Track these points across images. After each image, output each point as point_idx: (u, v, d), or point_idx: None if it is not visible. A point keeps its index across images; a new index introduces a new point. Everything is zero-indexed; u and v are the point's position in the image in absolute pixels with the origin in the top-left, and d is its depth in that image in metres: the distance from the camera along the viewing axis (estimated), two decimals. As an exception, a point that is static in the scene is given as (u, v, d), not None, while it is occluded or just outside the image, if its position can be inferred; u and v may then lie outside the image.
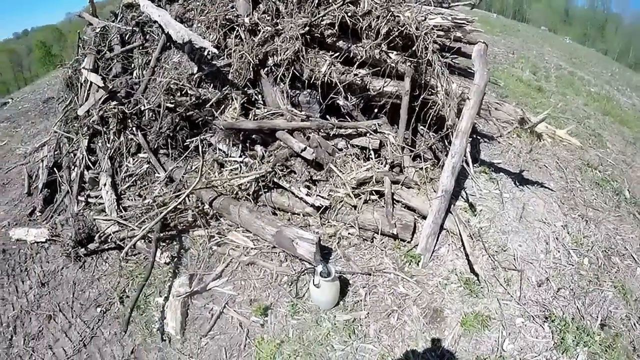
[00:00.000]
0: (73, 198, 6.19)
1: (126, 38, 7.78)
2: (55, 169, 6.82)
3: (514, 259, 5.24)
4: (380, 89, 6.29)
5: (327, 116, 6.57)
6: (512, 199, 6.22)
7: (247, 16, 6.49)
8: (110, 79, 6.94)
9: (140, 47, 7.38)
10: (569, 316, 4.56)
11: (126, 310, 4.69)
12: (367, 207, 5.59)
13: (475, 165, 6.37)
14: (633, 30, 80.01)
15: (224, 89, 6.41)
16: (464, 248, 5.24)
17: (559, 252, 5.41)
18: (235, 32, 6.50)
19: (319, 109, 6.41)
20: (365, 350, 4.30)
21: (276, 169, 5.92)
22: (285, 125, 6.07)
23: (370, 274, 5.06)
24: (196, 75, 6.46)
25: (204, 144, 6.44)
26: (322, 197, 5.67)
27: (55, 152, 7.12)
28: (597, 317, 4.62)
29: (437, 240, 5.42)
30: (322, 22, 6.11)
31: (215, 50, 5.88)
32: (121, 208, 6.01)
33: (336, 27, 6.11)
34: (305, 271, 5.03)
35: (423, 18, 5.98)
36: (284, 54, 6.15)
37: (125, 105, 6.49)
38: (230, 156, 6.29)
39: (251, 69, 6.32)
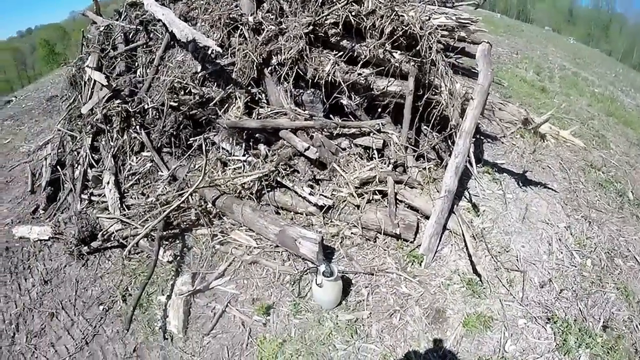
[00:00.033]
0: (76, 196, 6.20)
1: (130, 37, 7.79)
2: (58, 167, 6.84)
3: (517, 259, 5.23)
4: (384, 88, 6.29)
5: (331, 115, 6.58)
6: (515, 199, 6.21)
7: (251, 15, 6.51)
8: (114, 77, 6.95)
9: (144, 46, 7.39)
10: (571, 318, 4.55)
11: (129, 308, 4.70)
12: (370, 207, 5.58)
13: (478, 165, 6.37)
14: (637, 30, 79.63)
15: (227, 87, 6.42)
16: (467, 248, 5.23)
17: (561, 253, 5.40)
18: (239, 31, 6.51)
19: (323, 108, 6.42)
20: (367, 350, 4.30)
21: (279, 168, 5.92)
22: (288, 125, 6.07)
23: (372, 274, 5.06)
24: (200, 74, 6.47)
25: (208, 143, 6.45)
26: (325, 196, 5.67)
27: (59, 150, 7.14)
28: (600, 318, 4.61)
29: (439, 240, 5.41)
30: (326, 22, 6.12)
31: (219, 49, 5.89)
32: (124, 206, 6.02)
33: (340, 27, 6.11)
34: (308, 270, 5.03)
35: (427, 18, 5.98)
36: (287, 53, 6.16)
37: (129, 104, 6.50)
38: (233, 155, 6.30)
39: (255, 68, 6.33)
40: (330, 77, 6.17)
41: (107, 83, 6.30)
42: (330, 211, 5.68)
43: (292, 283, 4.99)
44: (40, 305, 5.04)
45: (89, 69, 6.75)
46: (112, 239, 5.63)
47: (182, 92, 6.39)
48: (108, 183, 6.14)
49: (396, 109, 6.44)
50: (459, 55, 7.29)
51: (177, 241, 5.67)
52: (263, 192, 5.94)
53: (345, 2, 5.90)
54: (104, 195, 6.13)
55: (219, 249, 5.51)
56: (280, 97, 6.41)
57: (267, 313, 4.67)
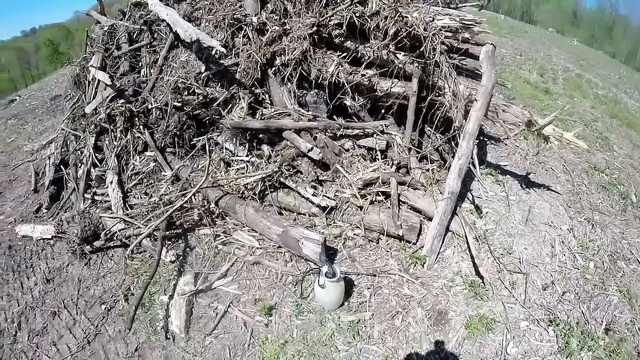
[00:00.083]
0: (79, 195, 6.21)
1: (134, 36, 7.82)
2: (62, 166, 6.85)
3: (520, 262, 5.22)
4: (387, 89, 6.29)
5: (334, 116, 6.57)
6: (518, 201, 6.20)
7: (255, 16, 6.51)
8: (118, 77, 6.97)
9: (148, 46, 7.41)
10: (573, 320, 4.54)
11: (131, 307, 4.71)
12: (373, 208, 5.58)
13: (481, 167, 6.35)
14: (641, 32, 79.68)
15: (231, 88, 6.43)
16: (470, 250, 5.23)
17: (564, 255, 5.39)
18: (243, 31, 6.52)
19: (326, 109, 6.41)
20: (369, 352, 4.30)
21: (283, 169, 5.92)
22: (292, 125, 6.08)
23: (375, 275, 5.06)
24: (204, 74, 6.47)
25: (211, 143, 6.45)
26: (328, 197, 5.67)
27: (62, 150, 7.14)
28: (602, 321, 4.59)
29: (442, 242, 5.40)
30: (330, 22, 6.12)
31: (223, 50, 5.89)
32: (127, 206, 6.04)
33: (344, 27, 6.11)
34: (311, 271, 5.03)
35: (431, 19, 5.97)
36: (291, 53, 6.16)
37: (133, 104, 6.52)
38: (236, 155, 6.30)
39: (259, 68, 6.34)
40: (334, 78, 6.17)
41: (111, 83, 6.31)
42: (333, 212, 5.68)
43: (295, 284, 4.99)
44: (42, 303, 5.05)
45: (93, 69, 6.77)
46: (114, 238, 5.64)
47: (186, 92, 6.40)
48: (111, 182, 6.15)
49: (400, 110, 6.43)
50: (463, 57, 7.29)
51: (180, 241, 5.68)
52: (266, 192, 5.94)
53: (349, 3, 5.90)
54: (107, 194, 6.14)
55: (221, 249, 5.51)
56: (284, 98, 6.41)
57: (269, 314, 4.67)
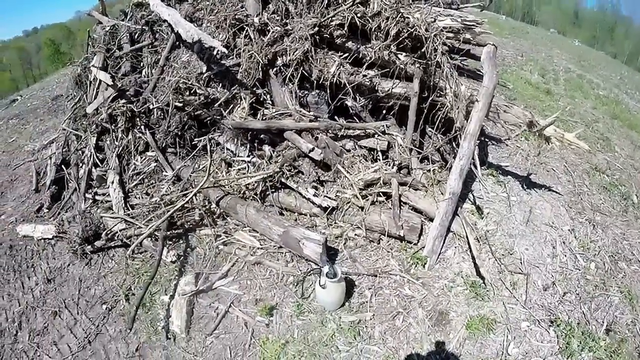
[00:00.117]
0: (80, 195, 6.22)
1: (135, 37, 7.82)
2: (63, 166, 6.86)
3: (521, 262, 5.22)
4: (388, 90, 6.29)
5: (336, 117, 6.57)
6: (520, 202, 6.20)
7: (256, 16, 6.52)
8: (120, 77, 6.97)
9: (150, 46, 7.41)
10: (574, 321, 4.54)
11: (131, 307, 4.71)
12: (374, 209, 5.58)
13: (482, 167, 6.35)
14: (643, 33, 79.62)
15: (232, 88, 6.42)
16: (471, 251, 5.23)
17: (565, 256, 5.39)
18: (244, 32, 6.52)
19: (328, 109, 6.41)
20: (370, 352, 4.29)
21: (284, 169, 5.92)
22: (293, 126, 6.08)
23: (376, 276, 5.06)
24: (205, 75, 6.47)
25: (212, 143, 6.45)
26: (330, 198, 5.67)
27: (64, 150, 7.16)
28: (603, 322, 4.59)
29: (443, 242, 5.40)
30: (331, 23, 6.12)
31: (224, 50, 5.89)
32: (128, 206, 6.04)
33: (345, 28, 6.11)
34: (311, 272, 5.03)
35: (433, 19, 5.98)
36: (293, 54, 6.16)
37: (134, 104, 6.52)
38: (238, 156, 6.30)
39: (260, 68, 6.34)
40: (335, 79, 6.17)
41: (112, 83, 6.31)
42: (334, 212, 5.68)
43: (296, 284, 4.99)
44: (43, 303, 5.05)
45: (95, 69, 6.77)
46: (115, 238, 5.64)
47: (187, 93, 6.40)
48: (112, 182, 6.16)
49: (401, 110, 6.43)
50: (464, 57, 7.30)
51: (181, 241, 5.68)
52: (267, 193, 5.95)
53: (351, 3, 5.90)
54: (108, 194, 6.14)
55: (222, 250, 5.51)
56: (285, 98, 6.41)
57: (270, 314, 4.67)
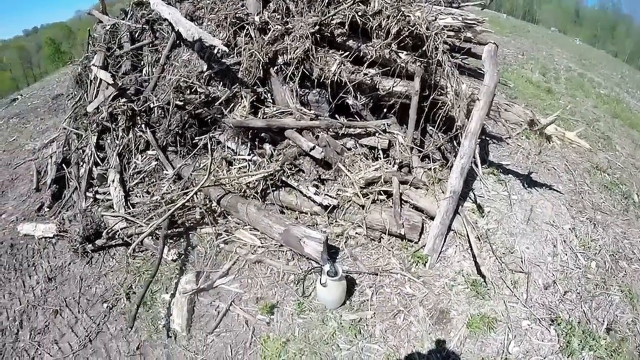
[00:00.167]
0: (81, 194, 6.22)
1: (136, 36, 7.81)
2: (63, 165, 6.85)
3: (521, 261, 5.22)
4: (389, 88, 6.28)
5: (336, 115, 6.57)
6: (520, 201, 6.19)
7: (257, 15, 6.51)
8: (120, 76, 6.96)
9: (150, 45, 7.40)
10: (575, 320, 4.54)
11: (132, 306, 4.71)
12: (375, 207, 5.58)
13: (483, 166, 6.36)
14: (644, 32, 79.58)
15: (233, 87, 6.42)
16: (472, 249, 5.22)
17: (566, 255, 5.38)
18: (245, 30, 6.51)
19: (328, 108, 6.42)
20: (371, 350, 4.29)
21: (285, 168, 5.92)
22: (294, 124, 6.07)
23: (377, 274, 5.05)
24: (206, 73, 6.47)
25: (213, 142, 6.45)
26: (330, 196, 5.67)
27: (64, 149, 7.15)
28: (604, 321, 4.59)
29: (444, 241, 5.40)
30: (332, 21, 6.12)
31: (225, 48, 5.88)
32: (129, 204, 6.03)
33: (346, 27, 6.10)
34: (312, 270, 5.03)
35: (433, 18, 5.97)
36: (293, 52, 6.16)
37: (135, 103, 6.51)
38: (238, 154, 6.30)
39: (261, 67, 6.33)
40: (336, 77, 6.17)
41: (112, 82, 6.30)
42: (335, 211, 5.68)
43: (296, 282, 4.99)
44: (44, 302, 5.06)
45: (95, 68, 6.77)
46: (116, 237, 5.64)
47: (188, 91, 6.40)
48: (113, 181, 6.15)
49: (402, 109, 6.43)
50: (465, 56, 7.29)
51: (182, 240, 5.68)
52: (268, 191, 5.94)
53: (352, 2, 5.89)
54: (109, 193, 6.14)
55: (223, 248, 5.51)
56: (286, 97, 6.41)
57: (271, 312, 4.67)
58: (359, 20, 5.97)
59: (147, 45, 7.40)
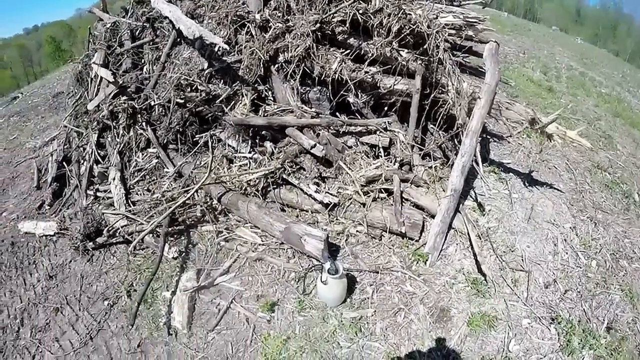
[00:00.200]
0: (82, 192, 6.22)
1: (136, 34, 7.81)
2: (64, 163, 6.86)
3: (522, 259, 5.22)
4: (390, 86, 6.28)
5: (337, 113, 6.57)
6: (521, 199, 6.19)
7: (258, 12, 6.50)
8: (121, 74, 6.97)
9: (151, 43, 7.40)
10: (575, 318, 4.54)
11: (133, 304, 4.70)
12: (375, 205, 5.58)
13: (484, 165, 6.36)
14: (645, 31, 79.52)
15: (234, 85, 6.43)
16: (472, 248, 5.22)
17: (567, 253, 5.38)
18: (246, 28, 6.51)
19: (329, 106, 6.41)
20: (372, 348, 4.30)
21: (285, 166, 5.92)
22: (295, 122, 6.07)
23: (377, 272, 5.06)
24: (206, 71, 6.47)
25: (214, 140, 6.45)
26: (331, 194, 5.67)
27: (65, 147, 7.16)
28: (604, 320, 4.59)
29: (445, 239, 5.40)
30: (333, 19, 6.10)
31: (225, 46, 5.88)
32: (130, 202, 6.03)
33: (347, 25, 6.09)
34: (313, 268, 5.03)
35: (435, 16, 5.96)
36: (294, 50, 6.15)
37: (135, 101, 6.51)
38: (239, 152, 6.30)
39: (261, 65, 6.33)
40: (337, 75, 6.17)
41: (113, 79, 6.30)
42: (335, 209, 5.68)
43: (297, 280, 4.99)
44: (45, 300, 5.07)
45: (96, 66, 6.76)
46: (117, 234, 5.66)
47: (189, 89, 6.40)
48: (114, 179, 6.16)
49: (403, 107, 6.43)
50: (466, 54, 7.27)
51: (183, 237, 5.68)
52: (269, 189, 5.94)
53: (353, 0, 5.89)
54: (110, 191, 6.14)
55: (224, 246, 5.52)
56: (287, 95, 6.41)
57: (271, 310, 4.68)
58: (360, 18, 5.96)
59: (148, 43, 7.40)
